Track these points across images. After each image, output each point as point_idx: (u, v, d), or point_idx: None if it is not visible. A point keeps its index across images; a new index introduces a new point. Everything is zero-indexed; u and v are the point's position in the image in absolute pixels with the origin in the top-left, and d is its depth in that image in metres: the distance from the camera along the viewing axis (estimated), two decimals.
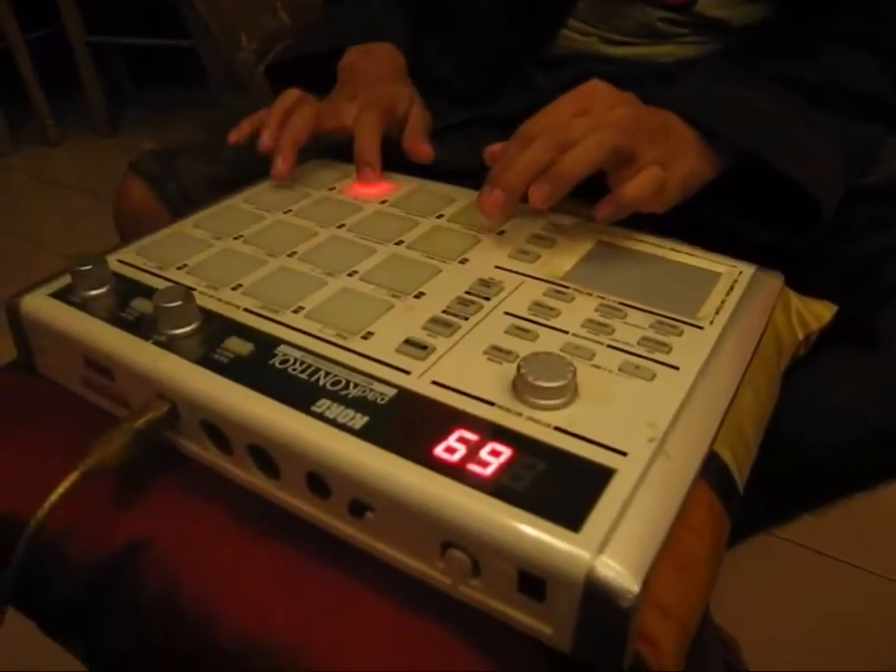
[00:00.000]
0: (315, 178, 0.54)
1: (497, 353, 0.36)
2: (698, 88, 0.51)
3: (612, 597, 0.26)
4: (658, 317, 0.39)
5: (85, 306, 0.40)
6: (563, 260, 0.44)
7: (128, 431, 0.34)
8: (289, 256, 0.44)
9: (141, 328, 0.38)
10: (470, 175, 0.54)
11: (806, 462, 0.53)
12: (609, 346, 0.37)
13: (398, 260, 0.43)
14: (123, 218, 0.65)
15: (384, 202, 0.50)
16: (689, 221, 0.48)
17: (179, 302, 0.37)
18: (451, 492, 0.29)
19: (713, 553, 0.36)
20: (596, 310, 0.39)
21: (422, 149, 0.54)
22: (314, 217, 0.48)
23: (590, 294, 0.41)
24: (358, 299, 0.40)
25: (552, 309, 0.39)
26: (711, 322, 0.39)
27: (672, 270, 0.44)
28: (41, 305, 0.40)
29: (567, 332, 0.37)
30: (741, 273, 0.44)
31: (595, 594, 0.26)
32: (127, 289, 0.41)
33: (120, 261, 0.44)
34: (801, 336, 0.48)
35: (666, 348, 0.37)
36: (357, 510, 0.31)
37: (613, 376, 0.35)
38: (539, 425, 0.32)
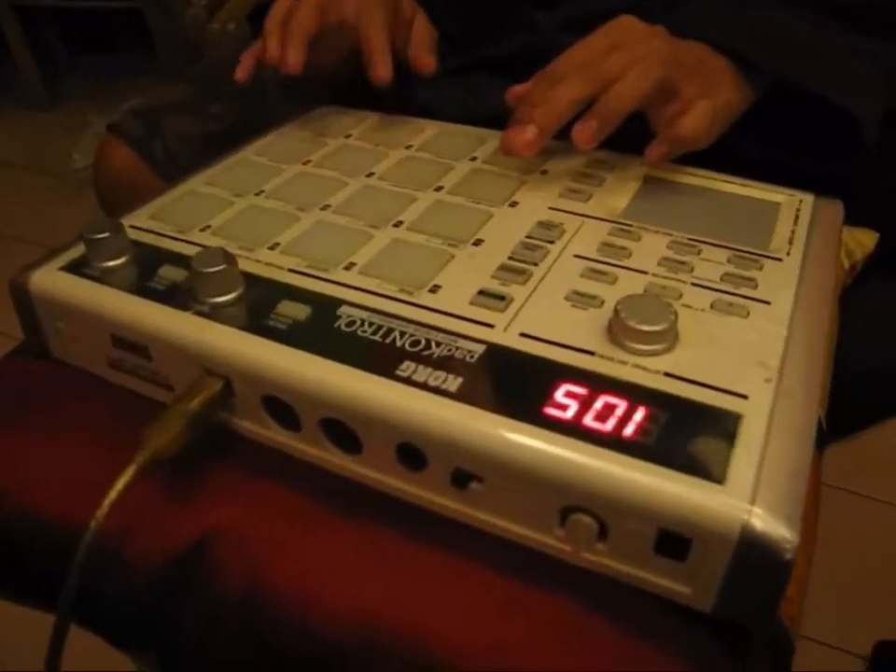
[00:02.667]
0: (328, 126, 0.49)
1: (579, 298, 0.33)
2: (723, 13, 0.48)
3: (772, 551, 0.24)
4: (733, 251, 0.37)
5: (105, 279, 0.35)
6: (616, 198, 0.41)
7: (183, 415, 0.30)
8: (322, 209, 0.40)
9: (176, 298, 0.34)
10: (475, 122, 0.51)
11: (843, 391, 0.52)
12: (694, 284, 0.34)
13: (443, 207, 0.40)
14: (107, 185, 0.59)
15: (409, 146, 0.46)
16: (719, 154, 0.45)
17: (222, 266, 0.32)
18: (573, 452, 0.26)
19: (816, 497, 0.35)
20: (669, 247, 0.37)
21: (427, 61, 0.50)
22: (337, 166, 0.44)
23: (656, 231, 0.38)
24: (413, 250, 0.36)
25: (622, 248, 0.36)
26: (788, 253, 0.37)
27: (729, 202, 0.42)
28: (54, 281, 0.36)
29: (646, 273, 0.35)
30: (801, 201, 0.41)
31: (752, 549, 0.24)
32: (149, 257, 0.36)
33: (133, 227, 0.39)
34: (847, 265, 0.47)
35: (752, 283, 0.34)
36: (461, 480, 0.28)
37: (707, 315, 0.32)
38: (647, 372, 0.29)
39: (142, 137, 0.58)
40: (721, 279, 0.34)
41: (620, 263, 0.35)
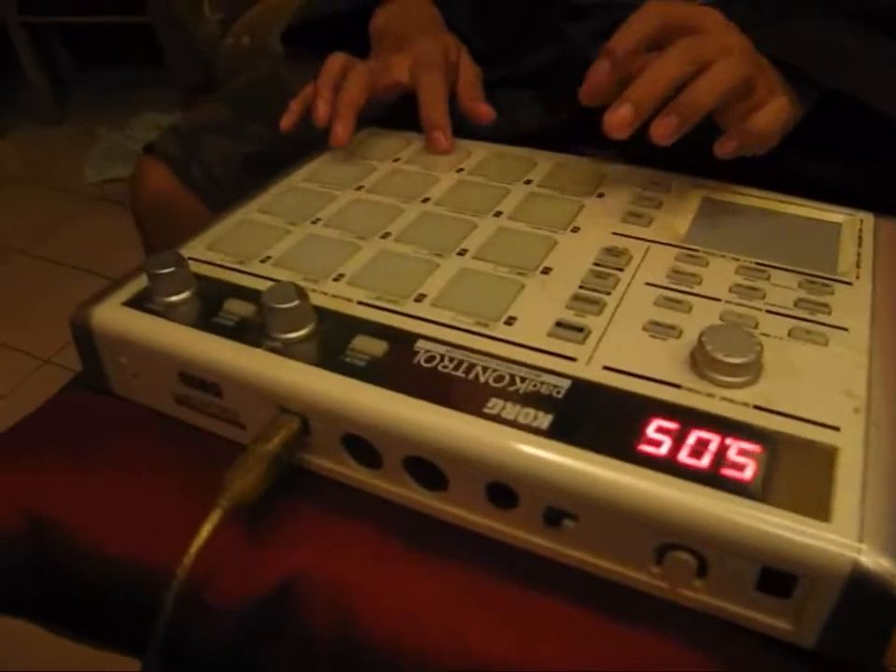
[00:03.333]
0: (374, 149, 0.49)
1: (657, 328, 0.33)
2: (769, 25, 0.48)
3: (882, 587, 0.24)
4: (803, 276, 0.36)
5: (169, 314, 0.35)
6: (678, 221, 0.41)
7: (264, 457, 0.30)
8: (383, 238, 0.39)
9: (246, 334, 0.33)
10: (509, 141, 0.50)
11: None
12: (769, 311, 0.34)
13: (506, 234, 0.39)
14: (144, 206, 0.59)
15: (460, 170, 0.46)
16: (757, 168, 0.45)
17: (295, 302, 0.32)
18: (673, 490, 0.26)
19: None
20: (737, 273, 0.36)
21: (482, 110, 0.50)
22: (391, 191, 0.44)
23: (723, 256, 0.38)
24: (483, 280, 0.36)
25: (693, 275, 0.36)
26: (857, 277, 0.36)
27: (789, 223, 0.41)
28: (117, 316, 0.35)
29: (719, 300, 0.34)
30: (862, 221, 0.41)
31: (861, 586, 0.24)
32: (213, 291, 0.36)
33: (192, 259, 0.38)
34: None
35: (826, 309, 0.34)
36: (553, 519, 0.28)
37: (787, 344, 0.32)
38: (735, 405, 0.29)
39: (180, 158, 0.57)
40: (795, 305, 0.34)
41: (692, 291, 0.35)
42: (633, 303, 0.34)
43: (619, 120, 0.37)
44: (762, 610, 0.26)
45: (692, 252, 0.38)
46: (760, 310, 0.34)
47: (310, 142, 0.52)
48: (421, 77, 0.48)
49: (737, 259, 0.37)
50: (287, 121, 0.49)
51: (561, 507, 0.27)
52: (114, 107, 1.69)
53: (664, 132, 0.37)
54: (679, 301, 0.34)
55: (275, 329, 0.33)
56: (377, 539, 0.30)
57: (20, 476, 0.35)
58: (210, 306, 0.35)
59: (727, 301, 0.34)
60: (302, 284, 0.36)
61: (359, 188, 0.44)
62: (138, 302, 0.36)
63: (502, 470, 0.28)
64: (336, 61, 0.49)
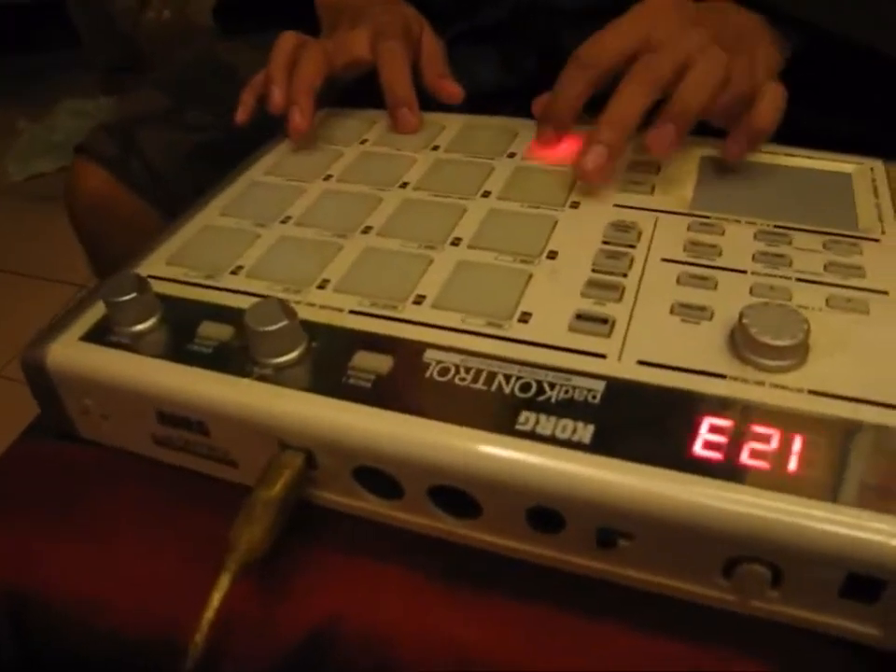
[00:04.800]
0: (337, 133, 0.44)
1: (686, 311, 0.30)
2: None
3: None
4: (826, 236, 0.34)
5: (136, 345, 0.30)
6: (680, 186, 0.38)
7: (269, 504, 0.26)
8: (364, 233, 0.35)
9: (229, 362, 0.29)
10: (473, 102, 0.47)
11: None
12: (799, 280, 0.31)
13: (500, 216, 0.36)
14: (82, 213, 0.53)
15: (435, 147, 0.42)
16: None
17: (283, 322, 0.28)
18: (738, 499, 0.23)
19: None
20: (756, 239, 0.34)
21: (450, 88, 0.46)
22: (363, 178, 0.39)
23: (738, 221, 0.35)
24: (485, 272, 0.32)
25: (712, 246, 0.33)
26: (883, 232, 0.34)
27: (797, 177, 0.39)
28: (76, 354, 0.31)
29: (744, 272, 0.32)
30: (873, 169, 0.39)
31: None
32: (182, 313, 0.32)
33: (152, 276, 0.34)
34: None
35: (859, 271, 0.31)
36: (607, 540, 0.25)
37: (827, 315, 0.29)
38: (789, 392, 0.26)
39: (117, 156, 0.52)
40: (826, 270, 0.32)
41: (713, 264, 0.32)
42: (654, 284, 0.31)
43: (593, 164, 0.35)
44: (844, 617, 0.24)
45: (704, 220, 0.35)
46: (790, 279, 0.31)
47: (259, 125, 0.47)
48: (381, 50, 0.43)
49: (753, 224, 0.34)
50: (241, 115, 0.44)
51: (614, 527, 0.25)
52: (31, 96, 1.57)
53: (662, 143, 0.35)
54: (703, 278, 0.31)
55: (263, 355, 0.29)
56: (406, 574, 0.27)
57: None
58: (181, 332, 0.31)
59: (754, 273, 0.31)
60: (283, 296, 0.32)
61: (328, 177, 0.40)
62: (98, 335, 0.31)
63: (545, 494, 0.25)
64: (287, 40, 0.44)
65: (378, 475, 0.27)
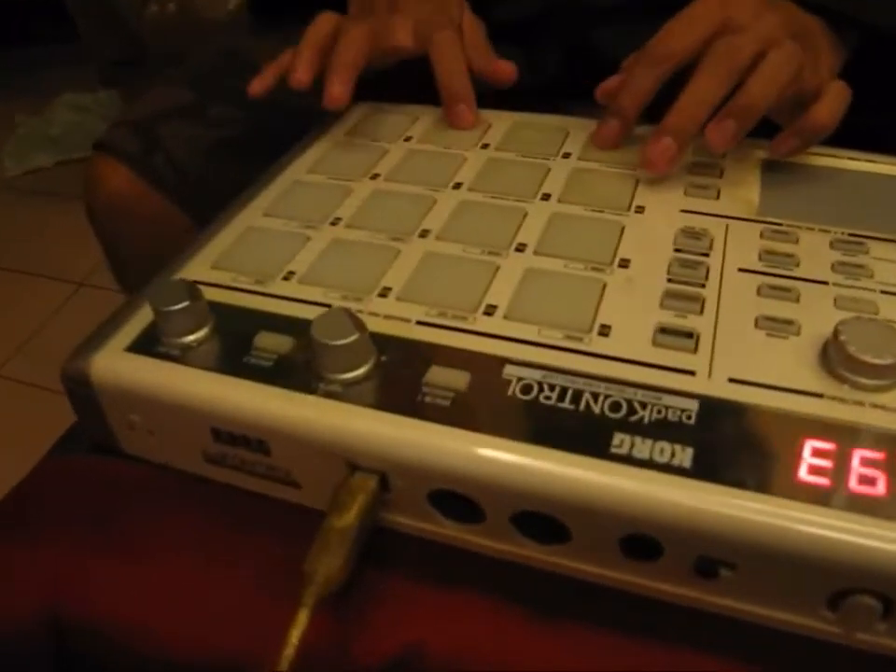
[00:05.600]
0: (378, 129, 0.42)
1: (772, 325, 0.28)
2: None
3: None
4: None
5: (187, 358, 0.29)
6: (746, 190, 0.36)
7: (345, 534, 0.24)
8: (422, 237, 0.34)
9: (291, 376, 0.27)
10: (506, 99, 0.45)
11: None
12: (884, 292, 0.30)
13: (564, 221, 0.34)
14: (103, 212, 0.51)
15: (485, 145, 0.40)
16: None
17: (355, 336, 0.26)
18: (851, 529, 0.22)
19: None
20: (833, 247, 0.32)
21: (504, 68, 0.44)
22: (413, 178, 0.38)
23: (810, 229, 0.33)
24: (556, 281, 0.31)
25: (788, 256, 0.32)
26: None
27: (863, 182, 0.37)
28: (122, 366, 0.29)
29: (826, 283, 0.30)
30: None
31: None
32: (235, 323, 0.30)
33: (197, 282, 0.32)
34: None
35: None
36: (707, 569, 0.24)
37: None
38: (890, 412, 0.25)
39: (139, 152, 0.50)
40: None
41: (793, 274, 0.31)
42: (734, 295, 0.30)
43: (660, 154, 0.34)
44: None
45: (776, 227, 0.33)
46: (874, 291, 0.30)
47: (286, 119, 0.45)
48: (437, 41, 0.41)
49: (827, 231, 0.33)
50: (257, 85, 0.42)
51: (716, 556, 0.23)
52: (28, 90, 1.53)
53: (722, 139, 0.34)
54: (785, 290, 0.30)
55: (330, 370, 0.27)
56: (488, 600, 0.26)
57: (29, 560, 0.29)
58: (236, 344, 0.29)
59: (835, 284, 0.30)
60: (342, 304, 0.30)
61: (375, 176, 0.38)
62: (145, 346, 0.29)
63: (645, 521, 0.23)
64: (327, 20, 0.42)
65: (456, 499, 0.25)
